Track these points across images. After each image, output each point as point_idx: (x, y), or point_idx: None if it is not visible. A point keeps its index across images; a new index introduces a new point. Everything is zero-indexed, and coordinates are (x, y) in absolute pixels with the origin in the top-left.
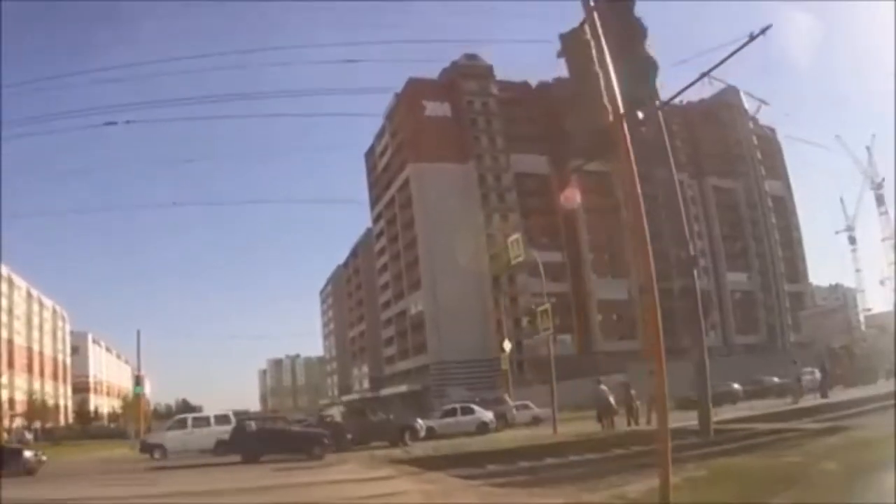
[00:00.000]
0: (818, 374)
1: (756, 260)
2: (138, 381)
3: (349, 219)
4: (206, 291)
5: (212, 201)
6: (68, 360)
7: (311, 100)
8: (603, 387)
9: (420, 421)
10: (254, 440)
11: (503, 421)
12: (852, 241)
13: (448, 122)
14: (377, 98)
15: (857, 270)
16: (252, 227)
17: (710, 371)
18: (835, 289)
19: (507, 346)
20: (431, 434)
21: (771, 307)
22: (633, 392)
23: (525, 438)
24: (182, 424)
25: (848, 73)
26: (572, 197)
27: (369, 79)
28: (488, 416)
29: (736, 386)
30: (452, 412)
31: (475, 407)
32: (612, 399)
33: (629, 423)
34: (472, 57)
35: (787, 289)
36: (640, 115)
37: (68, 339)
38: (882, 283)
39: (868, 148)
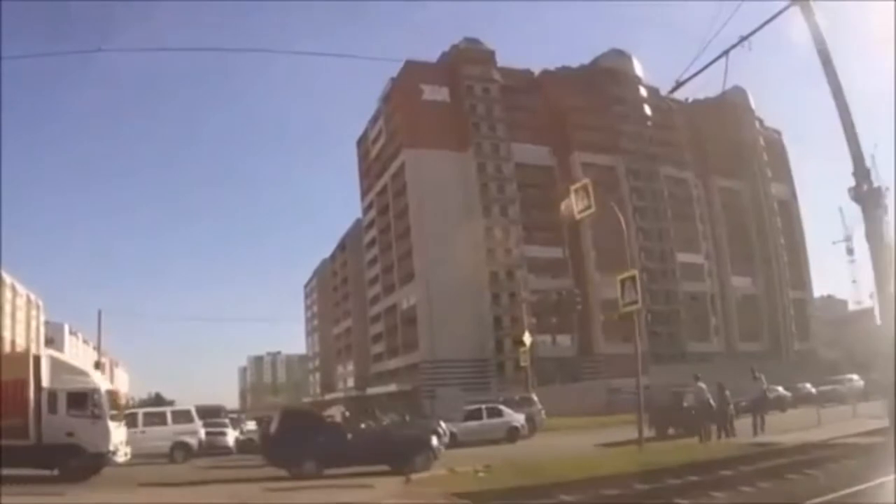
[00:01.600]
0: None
1: (761, 264)
2: (97, 367)
3: (337, 210)
4: (187, 286)
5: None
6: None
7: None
8: (702, 384)
9: (443, 424)
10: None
11: (531, 425)
12: (850, 251)
13: (447, 108)
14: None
15: (854, 281)
16: (235, 221)
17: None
18: (826, 300)
19: (528, 339)
20: (453, 441)
21: (775, 313)
22: (727, 394)
23: (606, 455)
24: (130, 421)
25: (848, 73)
26: (572, 207)
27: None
28: (519, 419)
29: (783, 391)
30: (477, 414)
31: (504, 408)
32: (712, 401)
33: (720, 435)
34: (473, 41)
35: (791, 295)
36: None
37: (43, 329)
38: (871, 296)
39: (872, 156)
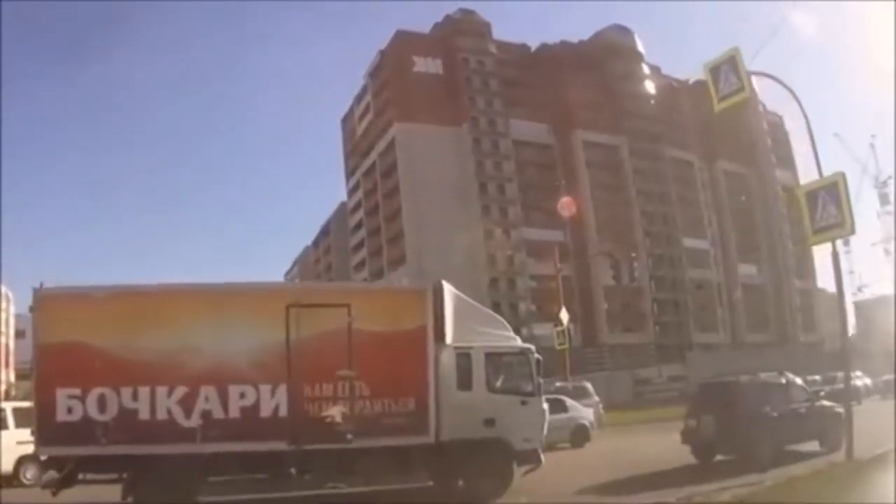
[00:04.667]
0: None
1: (767, 252)
2: None
3: (319, 194)
4: (162, 273)
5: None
6: (12, 344)
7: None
8: None
9: None
10: None
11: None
12: (846, 242)
13: (440, 81)
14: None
15: (851, 272)
16: (208, 208)
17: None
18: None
19: (565, 316)
20: None
21: (781, 303)
22: None
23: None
24: None
25: (848, 73)
26: (569, 205)
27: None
28: (588, 414)
29: (862, 380)
30: None
31: (569, 401)
32: None
33: None
34: (467, 12)
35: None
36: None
37: (13, 321)
38: (860, 289)
39: (872, 146)
